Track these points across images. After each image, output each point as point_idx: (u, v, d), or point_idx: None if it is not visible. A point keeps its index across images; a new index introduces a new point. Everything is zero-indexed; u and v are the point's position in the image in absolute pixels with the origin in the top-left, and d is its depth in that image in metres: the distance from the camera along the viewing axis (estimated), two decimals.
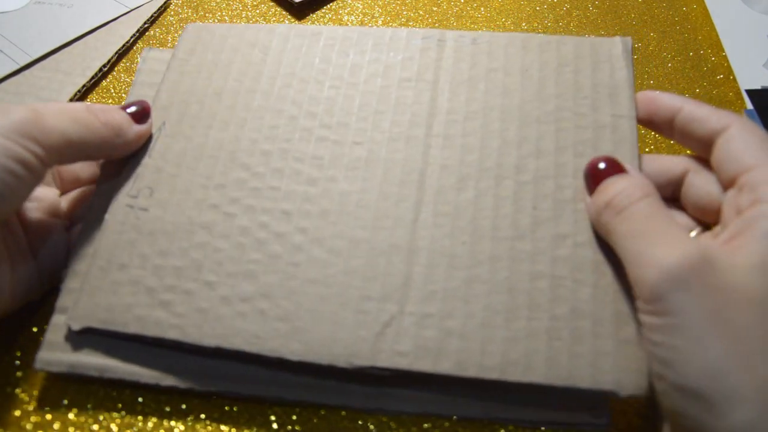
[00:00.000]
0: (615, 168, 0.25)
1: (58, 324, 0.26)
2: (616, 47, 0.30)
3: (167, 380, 0.25)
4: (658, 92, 0.27)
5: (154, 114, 0.29)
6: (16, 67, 0.39)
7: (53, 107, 0.25)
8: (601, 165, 0.25)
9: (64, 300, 0.26)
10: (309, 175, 0.28)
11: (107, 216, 0.27)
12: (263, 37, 0.32)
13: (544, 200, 0.26)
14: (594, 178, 0.25)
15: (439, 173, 0.27)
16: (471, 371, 0.24)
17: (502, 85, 0.29)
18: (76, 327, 0.25)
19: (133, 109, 0.28)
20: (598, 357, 0.23)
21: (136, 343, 0.25)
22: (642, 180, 0.24)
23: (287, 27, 0.33)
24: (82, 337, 0.25)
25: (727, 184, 0.24)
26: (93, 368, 0.25)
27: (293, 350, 0.24)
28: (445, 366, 0.24)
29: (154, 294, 0.25)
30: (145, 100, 0.29)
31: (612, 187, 0.24)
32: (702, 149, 0.25)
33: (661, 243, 0.21)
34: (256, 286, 0.25)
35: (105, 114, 0.27)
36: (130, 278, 0.26)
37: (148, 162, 0.28)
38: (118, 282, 0.26)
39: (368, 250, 0.26)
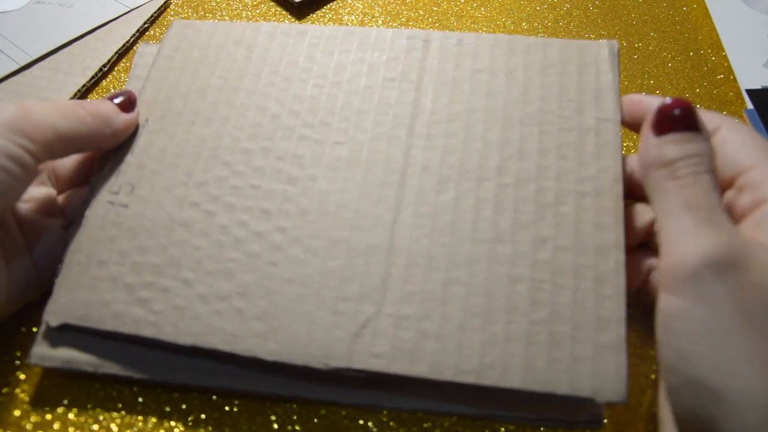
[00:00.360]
0: (691, 122, 0.23)
1: None
2: (602, 51, 0.30)
3: (162, 376, 0.25)
4: (643, 95, 0.27)
5: (138, 109, 0.29)
6: (16, 66, 0.39)
7: (40, 103, 0.25)
8: (680, 115, 0.23)
9: None
10: (289, 174, 0.28)
11: (88, 212, 0.27)
12: (249, 35, 0.32)
13: (525, 203, 0.26)
14: (668, 121, 0.23)
15: (420, 174, 0.27)
16: (447, 374, 0.23)
17: (487, 87, 0.29)
18: (53, 323, 0.25)
19: (119, 99, 0.29)
20: (577, 362, 0.23)
21: (121, 341, 0.25)
22: (711, 149, 0.23)
23: (273, 25, 0.33)
24: (77, 333, 0.25)
25: (724, 186, 0.24)
26: (87, 363, 0.25)
27: (268, 350, 0.24)
28: (421, 368, 0.23)
29: (132, 291, 0.25)
30: (131, 90, 0.30)
31: (687, 145, 0.22)
32: None
33: (711, 225, 0.20)
34: (233, 285, 0.25)
35: (92, 105, 0.27)
36: (109, 274, 0.26)
37: (130, 159, 0.28)
38: (96, 278, 0.26)
39: (346, 250, 0.26)
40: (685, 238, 0.20)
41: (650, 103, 0.26)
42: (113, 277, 0.26)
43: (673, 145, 0.22)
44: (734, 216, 0.23)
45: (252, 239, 0.26)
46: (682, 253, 0.20)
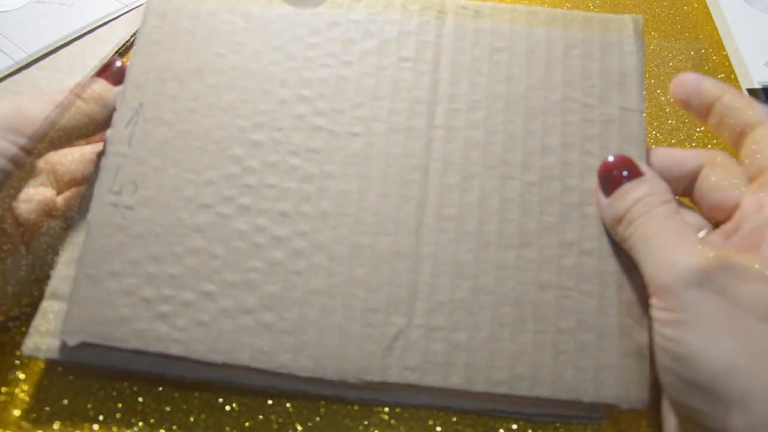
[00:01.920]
0: (633, 172, 0.25)
1: (47, 310, 0.25)
2: (626, 28, 0.28)
3: (158, 367, 0.25)
4: (701, 75, 0.26)
5: (128, 93, 0.27)
6: (15, 66, 0.38)
7: (32, 97, 0.25)
8: (620, 171, 0.25)
9: (53, 285, 0.25)
10: (305, 171, 0.26)
11: (90, 216, 0.25)
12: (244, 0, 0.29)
13: (551, 204, 0.26)
14: (610, 181, 0.25)
15: (442, 171, 0.26)
16: (480, 386, 0.24)
17: (507, 70, 0.28)
18: (71, 342, 0.24)
19: (108, 72, 0.28)
20: (602, 370, 0.24)
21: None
22: (660, 186, 0.24)
23: None
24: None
25: (751, 178, 0.24)
26: (82, 355, 0.24)
27: (303, 366, 0.24)
28: (454, 381, 0.24)
29: (150, 305, 0.24)
30: (117, 58, 0.28)
31: (631, 194, 0.24)
32: (734, 140, 0.25)
33: (677, 245, 0.22)
34: (257, 297, 0.25)
35: (82, 88, 0.26)
36: (123, 288, 0.24)
37: (128, 152, 0.26)
38: (110, 292, 0.24)
39: (371, 257, 0.25)
40: (654, 265, 0.22)
41: (707, 84, 0.26)
42: (128, 291, 0.24)
43: (620, 201, 0.24)
44: (753, 210, 0.23)
45: (272, 246, 0.25)
46: (655, 278, 0.22)
